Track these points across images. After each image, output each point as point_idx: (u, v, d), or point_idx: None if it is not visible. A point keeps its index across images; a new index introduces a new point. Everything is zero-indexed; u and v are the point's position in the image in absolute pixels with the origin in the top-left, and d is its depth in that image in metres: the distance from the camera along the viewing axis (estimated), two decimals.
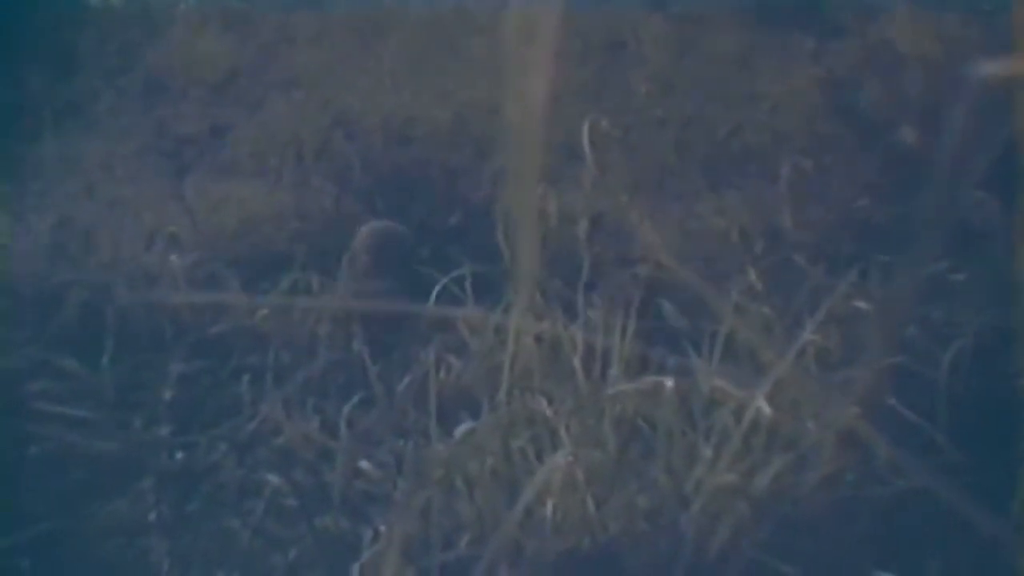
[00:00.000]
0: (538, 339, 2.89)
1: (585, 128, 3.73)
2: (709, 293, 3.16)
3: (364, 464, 2.73)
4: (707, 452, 2.56)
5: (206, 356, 3.15)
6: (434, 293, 3.17)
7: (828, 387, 2.85)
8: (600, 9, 4.79)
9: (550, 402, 2.72)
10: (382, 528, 2.51)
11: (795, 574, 2.43)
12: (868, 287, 3.19)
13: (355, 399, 2.87)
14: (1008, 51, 3.35)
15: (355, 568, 2.45)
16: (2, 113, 4.52)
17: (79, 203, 3.96)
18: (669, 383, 2.64)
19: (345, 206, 3.91)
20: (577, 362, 2.85)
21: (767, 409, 2.54)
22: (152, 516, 2.69)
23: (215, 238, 3.74)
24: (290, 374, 3.04)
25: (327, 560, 2.56)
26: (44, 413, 2.92)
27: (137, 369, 3.11)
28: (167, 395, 3.02)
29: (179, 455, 2.87)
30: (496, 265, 3.28)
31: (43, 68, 4.82)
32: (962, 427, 2.75)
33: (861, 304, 3.09)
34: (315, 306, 3.27)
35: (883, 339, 3.01)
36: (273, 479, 2.72)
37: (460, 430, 2.67)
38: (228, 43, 5.01)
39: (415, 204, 3.89)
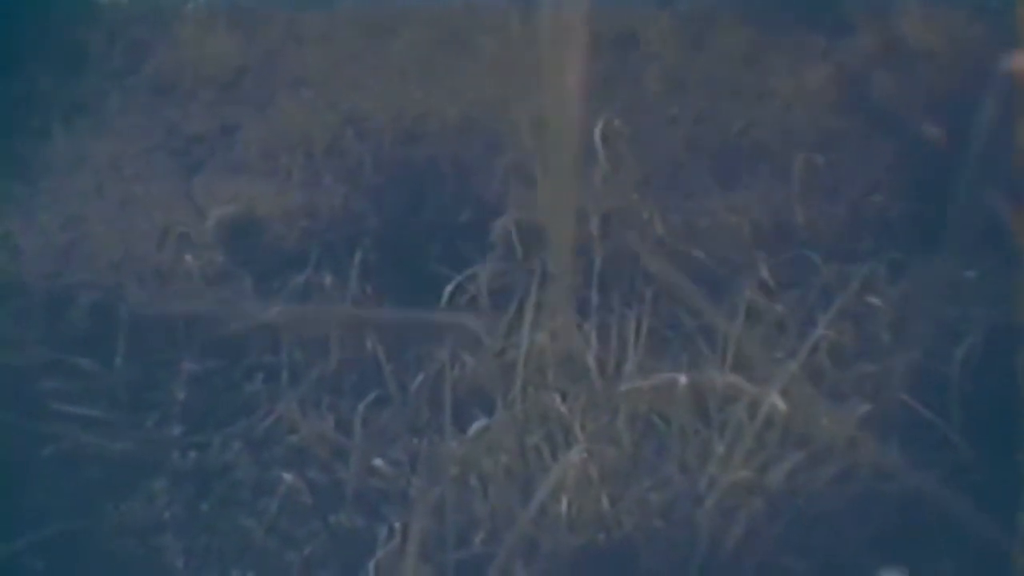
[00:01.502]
0: (552, 336, 2.90)
1: (598, 126, 3.73)
2: (722, 289, 3.16)
3: (378, 462, 2.73)
4: (721, 448, 2.56)
5: (219, 355, 3.15)
6: (447, 291, 3.17)
7: (841, 383, 2.85)
8: (611, 7, 4.78)
9: (564, 399, 2.73)
10: (397, 526, 2.51)
11: (809, 570, 2.43)
12: (880, 283, 3.19)
13: (370, 397, 2.88)
14: (1018, 47, 3.35)
15: (370, 565, 2.45)
16: (12, 112, 4.52)
17: (89, 202, 3.96)
18: (683, 379, 2.64)
19: (355, 204, 3.90)
20: (591, 359, 2.85)
21: (781, 405, 2.55)
22: (166, 515, 2.69)
23: (225, 237, 3.73)
24: (304, 373, 3.05)
25: (342, 558, 2.56)
26: (57, 412, 2.92)
27: (150, 368, 3.11)
28: (180, 394, 3.02)
29: (193, 454, 2.87)
30: (509, 263, 3.28)
31: (52, 67, 4.81)
32: (975, 423, 2.74)
33: (873, 300, 3.09)
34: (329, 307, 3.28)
35: (896, 335, 3.01)
36: (288, 477, 2.72)
37: (474, 428, 2.68)
38: (237, 42, 5.00)
39: (425, 202, 3.88)
